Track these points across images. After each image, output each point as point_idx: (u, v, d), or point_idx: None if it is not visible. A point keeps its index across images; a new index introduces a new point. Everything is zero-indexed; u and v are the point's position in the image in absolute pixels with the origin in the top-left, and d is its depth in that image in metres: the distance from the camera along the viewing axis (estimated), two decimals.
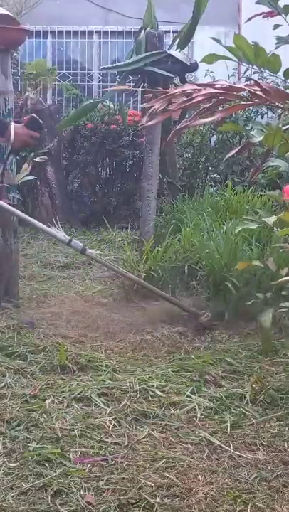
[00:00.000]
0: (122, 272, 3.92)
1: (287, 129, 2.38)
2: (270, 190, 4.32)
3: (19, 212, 3.78)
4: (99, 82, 9.79)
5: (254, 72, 5.37)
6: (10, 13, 3.42)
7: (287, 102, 2.13)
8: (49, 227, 3.69)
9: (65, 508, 1.99)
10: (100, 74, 9.73)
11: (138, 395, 2.74)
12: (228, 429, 2.49)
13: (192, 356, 3.20)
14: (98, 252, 3.94)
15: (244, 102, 2.18)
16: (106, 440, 2.39)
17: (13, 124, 3.30)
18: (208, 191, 5.57)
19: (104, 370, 3.00)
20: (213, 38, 2.38)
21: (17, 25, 3.59)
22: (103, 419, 2.54)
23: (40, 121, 3.32)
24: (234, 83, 2.25)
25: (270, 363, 3.12)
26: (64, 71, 9.72)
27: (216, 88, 2.08)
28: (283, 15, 2.26)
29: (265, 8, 2.30)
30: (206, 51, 2.34)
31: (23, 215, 3.79)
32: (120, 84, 5.17)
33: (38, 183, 6.71)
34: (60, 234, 3.66)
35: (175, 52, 5.23)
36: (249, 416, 2.60)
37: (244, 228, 4.06)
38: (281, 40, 2.36)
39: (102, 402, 2.69)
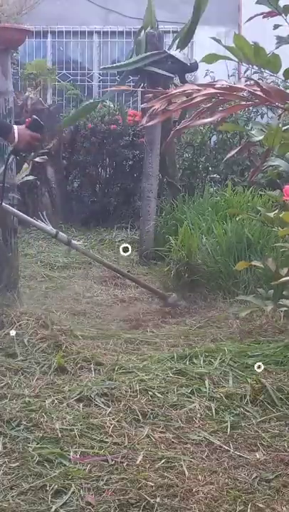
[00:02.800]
0: (101, 260, 4.16)
1: (287, 129, 2.37)
2: (270, 190, 4.33)
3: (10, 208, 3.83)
4: (99, 82, 9.79)
5: (254, 72, 5.39)
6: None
7: (287, 102, 2.12)
8: (36, 221, 3.89)
9: (65, 508, 2.00)
10: (100, 74, 9.73)
11: (138, 395, 2.74)
12: (228, 429, 2.49)
13: (192, 356, 3.20)
14: (81, 242, 4.22)
15: (244, 102, 2.17)
16: (106, 440, 2.39)
17: (16, 127, 3.37)
18: (208, 191, 5.57)
19: (104, 370, 3.00)
20: (213, 38, 2.37)
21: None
22: (103, 419, 2.54)
23: (42, 122, 3.39)
24: (234, 83, 2.24)
25: (270, 363, 3.11)
26: (64, 71, 9.72)
27: (216, 88, 2.08)
28: (283, 15, 2.26)
29: (265, 8, 2.30)
30: (206, 51, 2.33)
31: (14, 210, 3.85)
32: (120, 84, 5.18)
33: (38, 183, 6.70)
34: (48, 227, 3.86)
35: (175, 52, 5.24)
36: (249, 416, 2.60)
37: (246, 226, 4.10)
38: (281, 40, 2.35)
39: (102, 402, 2.69)
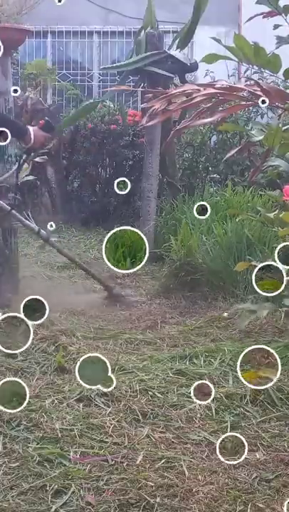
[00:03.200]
0: (74, 258, 4.42)
1: (287, 129, 2.38)
2: (270, 190, 4.33)
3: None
4: (99, 82, 9.79)
5: (254, 72, 5.39)
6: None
7: (287, 102, 2.13)
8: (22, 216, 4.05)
9: (65, 508, 1.99)
10: (100, 74, 9.73)
11: (138, 395, 2.74)
12: (228, 429, 2.49)
13: (192, 356, 3.20)
14: (56, 238, 4.40)
15: (244, 102, 2.18)
16: (106, 440, 2.39)
17: (31, 128, 3.53)
18: (208, 191, 5.57)
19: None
20: (213, 38, 2.37)
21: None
22: (103, 419, 2.54)
23: (53, 124, 3.56)
24: (234, 83, 2.25)
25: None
26: (64, 71, 9.71)
27: (216, 88, 2.08)
28: (283, 15, 2.26)
29: (265, 8, 2.30)
30: (206, 51, 2.33)
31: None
32: (120, 84, 5.18)
33: (38, 183, 6.70)
34: (33, 224, 4.01)
35: (175, 52, 5.24)
36: (249, 416, 2.60)
37: (246, 227, 4.10)
38: (281, 40, 2.35)
39: (102, 402, 2.69)
